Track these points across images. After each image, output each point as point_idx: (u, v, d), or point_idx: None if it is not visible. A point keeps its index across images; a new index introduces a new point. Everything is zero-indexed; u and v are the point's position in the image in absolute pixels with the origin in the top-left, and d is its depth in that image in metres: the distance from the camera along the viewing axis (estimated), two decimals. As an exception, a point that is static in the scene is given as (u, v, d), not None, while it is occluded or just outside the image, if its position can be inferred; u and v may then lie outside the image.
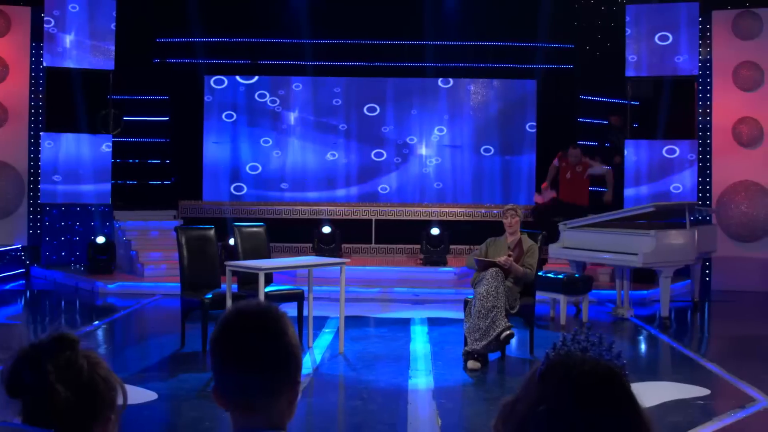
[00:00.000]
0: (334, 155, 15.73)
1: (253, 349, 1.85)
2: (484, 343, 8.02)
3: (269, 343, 1.87)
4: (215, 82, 15.71)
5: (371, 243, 15.19)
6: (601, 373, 1.36)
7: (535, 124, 15.64)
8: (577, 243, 11.22)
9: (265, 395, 1.87)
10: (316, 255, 13.37)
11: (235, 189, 15.67)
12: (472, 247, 13.25)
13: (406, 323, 10.51)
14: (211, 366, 1.90)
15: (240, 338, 1.86)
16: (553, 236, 11.50)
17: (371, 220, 15.28)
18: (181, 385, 7.40)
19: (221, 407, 1.90)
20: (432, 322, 10.58)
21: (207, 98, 15.69)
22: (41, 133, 14.17)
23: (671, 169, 13.93)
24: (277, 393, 1.88)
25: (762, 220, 13.63)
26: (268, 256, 9.56)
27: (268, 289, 8.81)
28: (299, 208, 15.38)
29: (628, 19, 14.04)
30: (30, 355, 1.75)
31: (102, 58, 14.15)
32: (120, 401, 1.83)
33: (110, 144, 14.33)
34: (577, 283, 10.62)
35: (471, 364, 8.06)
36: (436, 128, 15.73)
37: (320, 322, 10.12)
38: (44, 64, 14.11)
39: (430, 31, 15.33)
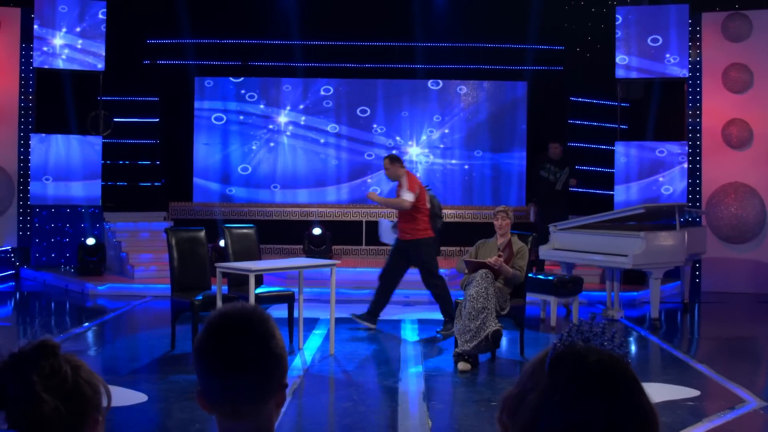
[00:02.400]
0: (324, 157, 15.73)
1: (242, 353, 1.82)
2: (474, 344, 8.02)
3: (257, 347, 1.84)
4: (205, 83, 15.69)
5: (362, 245, 15.18)
6: (613, 361, 1.40)
7: (525, 125, 15.67)
8: (568, 244, 11.24)
9: (253, 400, 1.84)
10: (307, 256, 13.37)
11: (225, 190, 15.66)
12: (462, 248, 13.29)
13: (396, 324, 10.51)
14: (196, 370, 1.87)
15: (227, 342, 1.83)
16: None
17: (362, 221, 15.27)
18: (171, 387, 7.38)
19: (206, 411, 1.88)
20: (422, 324, 10.58)
21: (197, 99, 15.67)
22: (31, 134, 14.13)
23: (661, 171, 13.96)
24: (266, 397, 1.85)
25: (751, 222, 13.67)
26: (259, 258, 9.55)
27: (258, 290, 8.80)
28: (289, 209, 15.37)
29: (618, 20, 14.07)
30: (13, 367, 1.72)
31: (92, 59, 14.11)
32: (104, 402, 1.81)
33: (100, 145, 14.29)
34: (568, 284, 10.63)
35: (461, 365, 8.07)
36: (426, 130, 15.74)
37: (311, 324, 10.12)
38: (34, 65, 14.07)
39: (420, 33, 15.34)
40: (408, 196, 9.93)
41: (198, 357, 1.86)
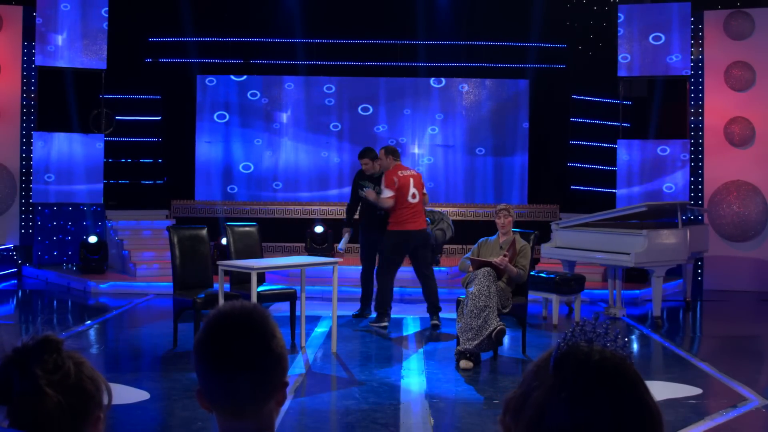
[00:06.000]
0: (326, 155, 15.72)
1: (242, 352, 1.80)
2: (476, 342, 8.02)
3: (258, 346, 1.82)
4: (207, 81, 15.69)
5: (364, 243, 15.15)
6: (617, 360, 1.42)
7: (527, 123, 15.66)
8: (570, 243, 11.23)
9: (253, 399, 1.82)
10: (309, 254, 13.38)
11: (227, 189, 15.66)
12: (464, 246, 13.29)
13: (398, 322, 10.51)
14: (196, 369, 1.84)
15: (228, 342, 1.81)
16: None
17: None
18: (173, 385, 7.38)
19: (205, 410, 1.86)
20: (424, 322, 10.58)
21: (199, 98, 15.67)
22: (33, 133, 14.14)
23: (663, 169, 13.96)
24: (267, 396, 1.83)
25: (753, 220, 13.67)
26: (261, 256, 9.56)
27: (260, 288, 8.81)
28: (292, 207, 15.38)
29: (620, 18, 14.07)
30: (17, 361, 1.71)
31: (94, 57, 14.12)
32: (105, 400, 1.80)
33: (102, 143, 14.30)
34: (570, 282, 10.63)
35: (463, 363, 8.06)
36: (428, 128, 15.74)
37: (313, 322, 10.13)
38: (36, 64, 14.08)
39: (422, 31, 15.34)
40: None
41: (198, 357, 1.84)
